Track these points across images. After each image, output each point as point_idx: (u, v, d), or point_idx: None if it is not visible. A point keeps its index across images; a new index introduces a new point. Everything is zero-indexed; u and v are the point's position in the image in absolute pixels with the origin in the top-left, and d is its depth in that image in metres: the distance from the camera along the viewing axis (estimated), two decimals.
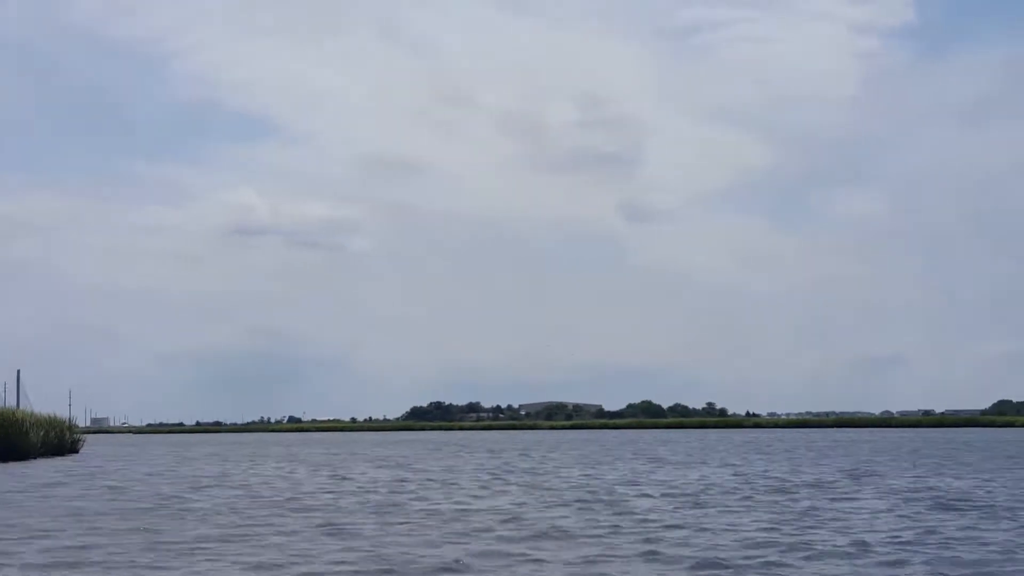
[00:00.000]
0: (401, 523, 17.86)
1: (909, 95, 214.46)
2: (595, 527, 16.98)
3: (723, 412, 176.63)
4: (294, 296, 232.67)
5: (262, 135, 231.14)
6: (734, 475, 30.97)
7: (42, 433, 53.63)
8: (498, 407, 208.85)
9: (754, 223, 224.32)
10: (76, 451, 59.99)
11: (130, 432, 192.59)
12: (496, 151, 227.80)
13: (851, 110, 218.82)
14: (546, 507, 20.63)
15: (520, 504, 21.35)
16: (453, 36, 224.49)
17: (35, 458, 49.98)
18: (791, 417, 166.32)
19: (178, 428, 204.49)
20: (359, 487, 27.19)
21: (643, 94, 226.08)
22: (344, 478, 31.72)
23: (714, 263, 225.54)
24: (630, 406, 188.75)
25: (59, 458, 52.69)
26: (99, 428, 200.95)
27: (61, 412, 64.93)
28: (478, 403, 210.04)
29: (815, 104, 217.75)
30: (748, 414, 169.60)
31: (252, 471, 37.34)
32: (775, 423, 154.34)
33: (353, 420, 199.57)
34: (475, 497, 23.42)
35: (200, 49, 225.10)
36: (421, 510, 20.21)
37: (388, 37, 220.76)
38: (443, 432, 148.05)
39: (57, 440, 56.82)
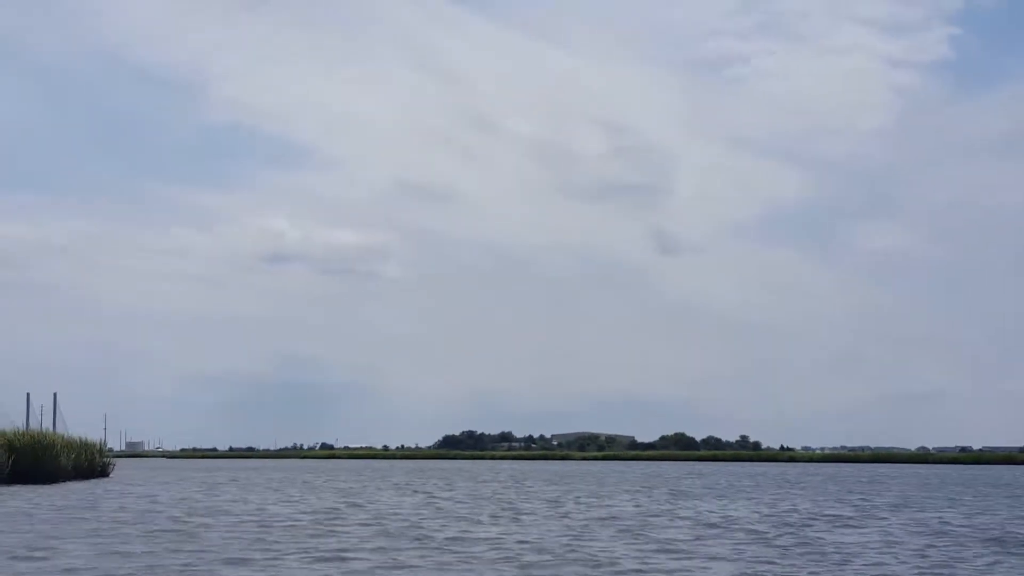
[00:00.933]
0: (395, 550, 18.05)
1: (943, 128, 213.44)
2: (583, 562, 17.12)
3: (757, 445, 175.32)
4: (326, 322, 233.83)
5: (293, 161, 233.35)
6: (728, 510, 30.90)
7: (73, 456, 54.29)
8: (530, 437, 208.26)
9: (786, 255, 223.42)
10: (107, 474, 60.48)
11: (164, 456, 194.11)
12: (524, 178, 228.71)
13: (884, 142, 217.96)
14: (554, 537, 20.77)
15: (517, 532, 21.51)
16: (482, 63, 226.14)
17: (65, 481, 50.57)
18: (826, 451, 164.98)
19: (211, 453, 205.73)
20: (365, 513, 27.41)
21: (673, 124, 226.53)
22: (356, 504, 31.95)
23: (746, 295, 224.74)
24: (663, 438, 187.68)
25: (89, 481, 53.25)
26: (134, 452, 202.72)
27: (97, 436, 65.77)
28: (510, 433, 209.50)
29: (847, 136, 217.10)
30: (782, 448, 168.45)
31: (270, 497, 37.56)
32: (809, 457, 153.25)
33: (385, 447, 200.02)
34: (477, 525, 23.59)
35: (233, 74, 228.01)
36: (416, 536, 20.41)
37: (418, 64, 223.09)
38: (474, 461, 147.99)
39: (88, 463, 57.30)
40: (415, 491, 42.94)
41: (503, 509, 29.96)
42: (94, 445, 60.99)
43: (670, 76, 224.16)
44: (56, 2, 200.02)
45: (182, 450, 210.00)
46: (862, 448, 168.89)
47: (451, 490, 44.07)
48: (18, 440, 48.93)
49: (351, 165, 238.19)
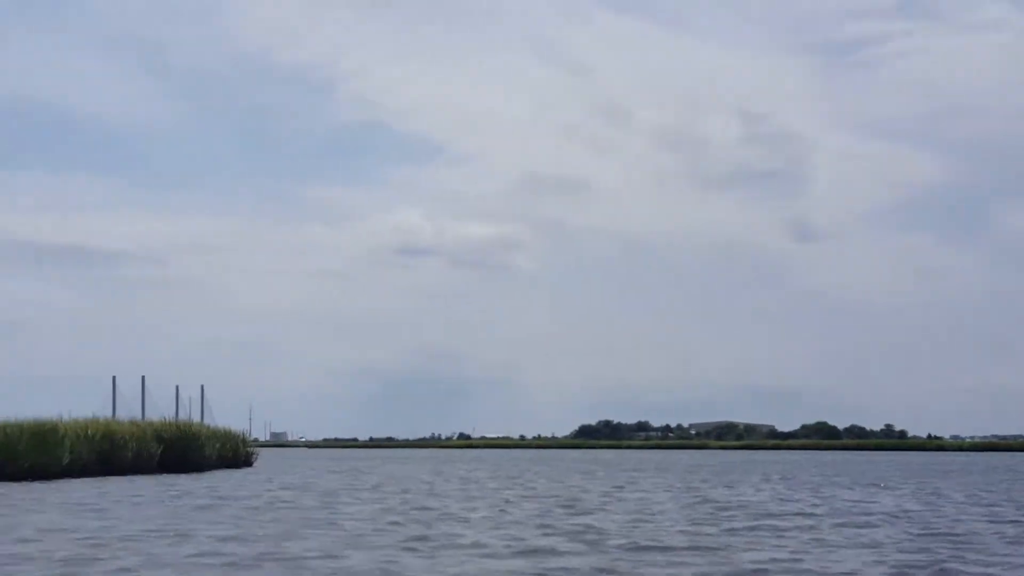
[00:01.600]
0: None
1: None
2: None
3: (903, 434, 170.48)
4: (460, 315, 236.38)
5: (425, 156, 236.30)
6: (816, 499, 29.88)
7: (217, 446, 55.92)
8: (667, 426, 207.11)
9: (927, 240, 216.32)
10: (250, 464, 61.86)
11: (307, 447, 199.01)
12: (655, 168, 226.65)
13: None
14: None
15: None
16: (611, 53, 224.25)
17: (210, 470, 51.99)
18: (975, 440, 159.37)
19: (352, 443, 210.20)
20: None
21: (806, 109, 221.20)
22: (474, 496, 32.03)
23: (887, 281, 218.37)
24: (804, 427, 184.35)
25: (233, 470, 54.62)
26: (278, 442, 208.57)
27: (242, 427, 67.73)
28: (647, 422, 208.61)
29: (989, 116, 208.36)
30: (929, 436, 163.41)
31: (381, 487, 37.85)
32: (959, 446, 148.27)
33: (522, 437, 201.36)
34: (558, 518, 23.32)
35: (364, 72, 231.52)
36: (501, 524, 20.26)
37: (545, 56, 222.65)
38: (610, 451, 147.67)
39: (232, 453, 58.90)
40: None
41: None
42: (238, 436, 62.60)
43: (804, 60, 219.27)
44: (196, 6, 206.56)
45: (324, 440, 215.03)
46: (1014, 437, 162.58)
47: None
48: (166, 431, 50.77)
49: (482, 159, 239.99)
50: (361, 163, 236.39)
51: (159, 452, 48.41)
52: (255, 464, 62.40)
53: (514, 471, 55.17)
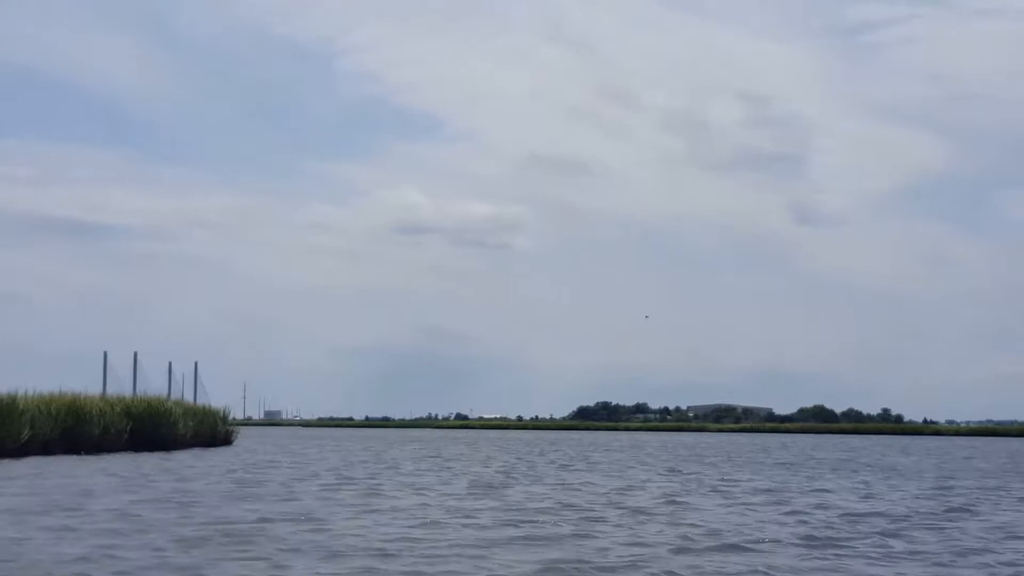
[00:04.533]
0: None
1: None
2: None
3: (899, 419, 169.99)
4: (460, 294, 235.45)
5: (427, 134, 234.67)
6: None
7: (192, 424, 54.33)
8: (666, 408, 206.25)
9: (931, 226, 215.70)
10: (229, 443, 60.16)
11: (301, 425, 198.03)
12: (660, 150, 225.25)
13: None
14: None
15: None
16: (617, 34, 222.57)
17: (183, 449, 50.25)
18: (971, 425, 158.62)
19: (347, 422, 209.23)
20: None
21: (810, 93, 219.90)
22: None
23: (889, 267, 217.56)
24: (801, 411, 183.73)
25: (208, 449, 52.38)
26: (271, 421, 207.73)
27: (236, 404, 66.31)
28: (645, 404, 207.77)
29: (994, 103, 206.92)
30: (925, 421, 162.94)
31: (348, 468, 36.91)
32: (955, 431, 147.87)
33: (520, 418, 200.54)
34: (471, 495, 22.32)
35: (368, 47, 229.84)
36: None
37: (552, 35, 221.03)
38: (607, 432, 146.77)
39: (210, 432, 57.38)
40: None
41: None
42: (216, 413, 60.85)
43: (808, 44, 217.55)
44: None
45: (319, 419, 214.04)
46: (1010, 422, 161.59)
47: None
48: (135, 407, 49.35)
49: (486, 137, 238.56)
50: (363, 139, 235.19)
51: (128, 429, 46.96)
52: (235, 443, 60.78)
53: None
